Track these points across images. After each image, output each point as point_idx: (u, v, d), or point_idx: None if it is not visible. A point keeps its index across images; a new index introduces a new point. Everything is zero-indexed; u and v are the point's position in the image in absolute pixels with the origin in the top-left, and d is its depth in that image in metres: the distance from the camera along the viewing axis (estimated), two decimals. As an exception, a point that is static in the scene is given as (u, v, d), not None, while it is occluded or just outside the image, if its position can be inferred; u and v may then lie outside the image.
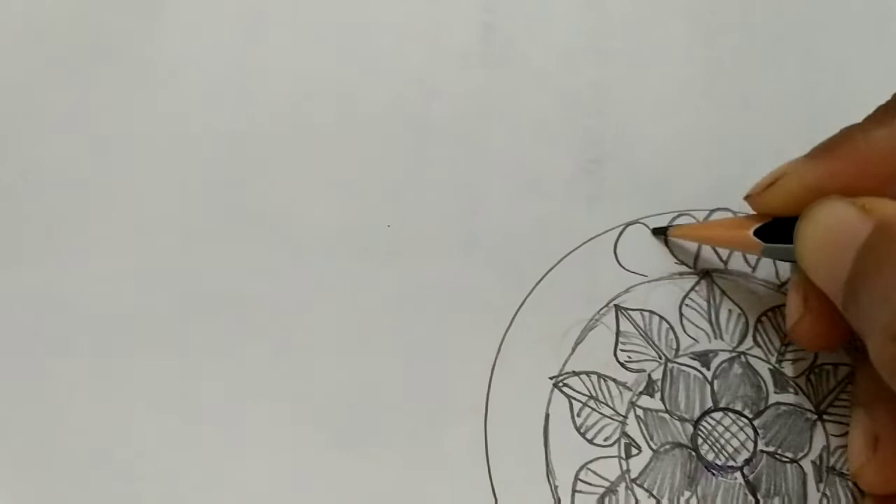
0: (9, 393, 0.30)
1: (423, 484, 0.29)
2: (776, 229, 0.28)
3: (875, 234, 0.25)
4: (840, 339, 0.29)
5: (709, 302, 0.32)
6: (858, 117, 0.34)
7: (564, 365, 0.31)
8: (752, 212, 0.30)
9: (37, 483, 0.29)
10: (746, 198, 0.29)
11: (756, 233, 0.29)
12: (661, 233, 0.32)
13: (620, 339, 0.31)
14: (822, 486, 0.30)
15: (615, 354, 0.31)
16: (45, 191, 0.32)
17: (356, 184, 0.33)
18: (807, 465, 0.30)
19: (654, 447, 0.30)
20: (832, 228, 0.26)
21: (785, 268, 0.32)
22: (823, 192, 0.27)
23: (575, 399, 0.30)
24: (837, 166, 0.27)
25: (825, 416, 0.30)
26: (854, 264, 0.25)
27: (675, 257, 0.32)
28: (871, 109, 0.32)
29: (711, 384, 0.31)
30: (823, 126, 0.33)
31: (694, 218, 0.33)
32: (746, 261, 0.32)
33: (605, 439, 0.30)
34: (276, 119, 0.34)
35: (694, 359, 0.31)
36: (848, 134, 0.27)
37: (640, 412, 0.30)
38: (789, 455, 0.30)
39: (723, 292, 0.32)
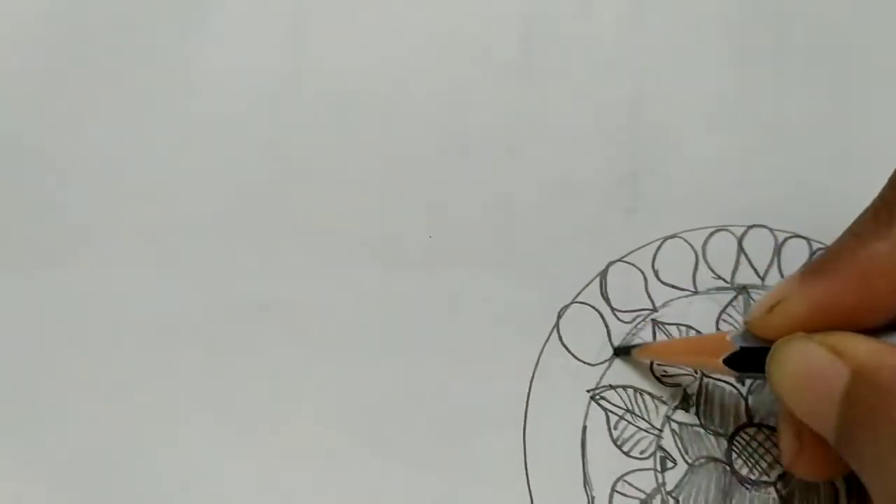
0: (41, 396, 0.30)
1: (461, 493, 0.30)
2: (749, 356, 0.27)
3: (855, 384, 0.23)
4: (847, 466, 0.25)
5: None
6: (892, 133, 0.35)
7: (601, 378, 0.31)
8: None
9: (70, 486, 0.30)
10: (746, 323, 0.27)
11: (729, 360, 0.27)
12: (624, 352, 0.31)
13: (657, 353, 0.32)
14: (854, 502, 0.30)
15: (651, 369, 0.31)
16: (81, 194, 0.33)
17: (394, 193, 0.33)
18: (839, 481, 0.30)
19: (690, 461, 0.30)
20: (804, 374, 0.25)
21: (821, 285, 0.33)
22: (826, 314, 0.25)
23: (612, 412, 0.31)
24: (837, 286, 0.25)
25: (858, 433, 0.31)
26: (840, 417, 0.24)
27: (713, 272, 0.33)
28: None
29: (746, 400, 0.31)
30: (856, 145, 0.34)
31: (733, 234, 0.33)
32: (782, 277, 0.33)
33: (641, 452, 0.30)
34: (315, 127, 0.34)
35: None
36: (846, 250, 0.26)
37: (675, 426, 0.31)
38: (822, 471, 0.30)
39: (759, 308, 0.32)
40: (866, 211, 0.26)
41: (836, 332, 0.25)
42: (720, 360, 0.27)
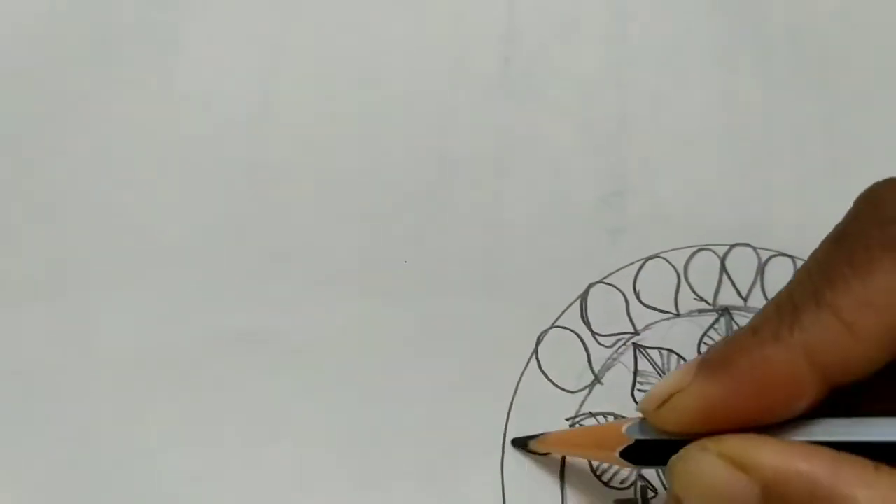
0: (28, 431, 0.30)
1: (440, 526, 0.29)
2: (648, 448, 0.26)
3: (767, 501, 0.22)
4: None
5: (728, 340, 0.32)
6: (878, 149, 0.34)
7: (581, 405, 0.31)
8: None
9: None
10: (641, 412, 0.26)
11: (625, 453, 0.26)
12: (520, 444, 0.30)
13: (638, 378, 0.31)
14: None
15: (633, 394, 0.31)
16: (56, 226, 0.32)
17: (376, 218, 0.33)
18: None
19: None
20: (709, 491, 0.23)
21: (805, 306, 0.32)
22: (719, 414, 0.24)
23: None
24: (732, 386, 0.23)
25: (843, 459, 0.30)
26: None
27: (695, 293, 0.32)
28: (891, 144, 0.32)
29: (729, 425, 0.31)
30: (841, 162, 0.33)
31: (716, 254, 0.33)
32: (766, 297, 0.32)
33: (622, 482, 0.30)
34: (297, 153, 0.33)
35: (712, 399, 0.31)
36: (742, 347, 0.24)
37: (657, 454, 0.30)
38: (806, 499, 0.30)
39: (742, 330, 0.32)
40: (770, 304, 0.24)
41: (736, 436, 0.23)
42: (616, 454, 0.26)
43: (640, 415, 0.26)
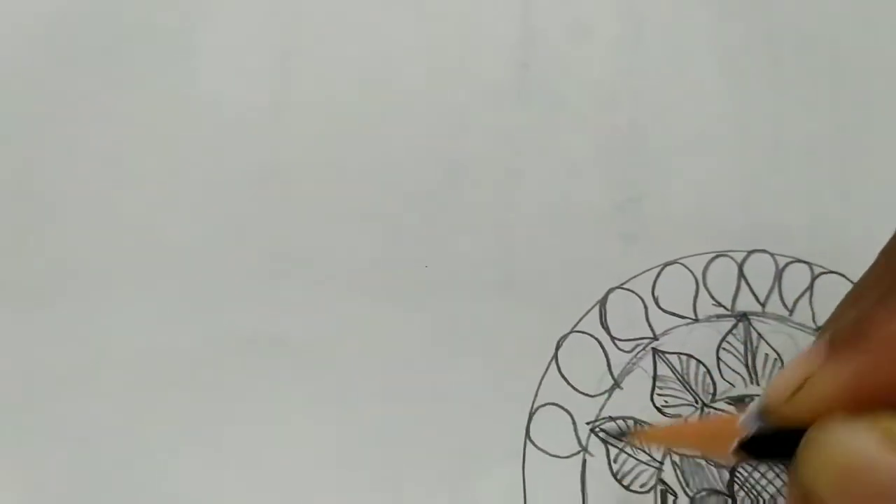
0: (32, 433, 0.30)
1: (462, 529, 0.29)
2: (768, 440, 0.23)
3: None
4: None
5: (746, 345, 0.32)
6: (891, 155, 0.34)
7: (601, 410, 0.31)
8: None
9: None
10: (764, 406, 0.23)
11: (745, 445, 0.23)
12: (614, 434, 0.30)
13: (657, 383, 0.31)
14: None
15: (652, 399, 0.31)
16: (65, 230, 0.32)
17: (389, 222, 0.33)
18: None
19: (691, 494, 0.30)
20: (852, 469, 0.20)
21: (823, 312, 0.32)
22: (862, 393, 0.21)
23: (612, 445, 0.30)
24: (872, 362, 0.21)
25: (861, 464, 0.31)
26: None
27: (713, 299, 0.32)
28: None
29: (748, 430, 0.31)
30: (857, 167, 0.34)
31: (734, 260, 0.33)
32: (784, 303, 0.32)
33: (642, 486, 0.30)
34: (308, 156, 0.33)
35: (730, 403, 0.31)
36: (874, 320, 0.22)
37: (676, 459, 0.30)
38: (825, 503, 0.30)
39: (760, 336, 0.32)
40: (876, 274, 0.23)
41: (886, 412, 0.20)
42: (733, 447, 0.23)
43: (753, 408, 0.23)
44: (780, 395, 0.22)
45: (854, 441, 0.20)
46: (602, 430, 0.30)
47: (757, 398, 0.24)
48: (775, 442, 0.23)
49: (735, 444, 0.23)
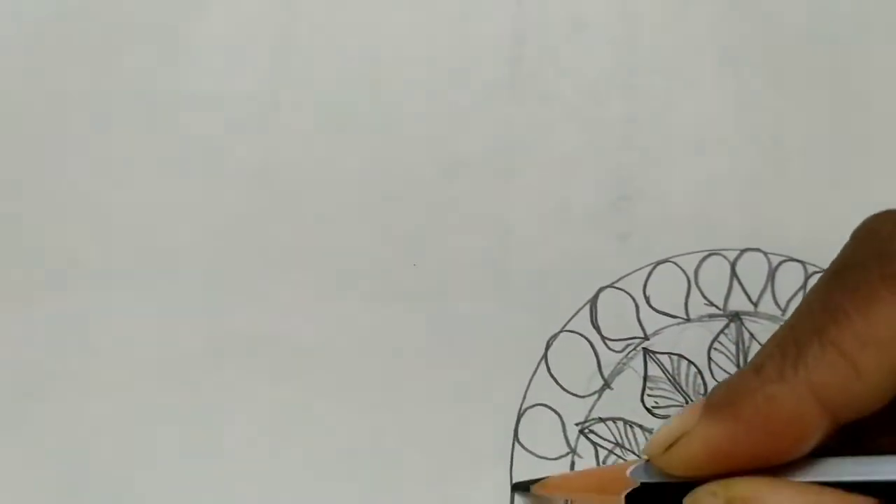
0: (35, 432, 0.30)
1: (449, 530, 0.29)
2: (654, 491, 0.25)
3: None
4: None
5: (737, 345, 0.32)
6: (889, 155, 0.34)
7: (591, 411, 0.31)
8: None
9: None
10: (648, 456, 0.25)
11: (631, 496, 0.25)
12: (522, 489, 0.29)
13: (648, 383, 0.31)
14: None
15: (642, 400, 0.31)
16: (59, 229, 0.32)
17: (383, 221, 0.33)
18: None
19: (680, 496, 0.30)
20: None
21: (816, 312, 0.32)
22: (726, 456, 0.23)
23: (601, 446, 0.30)
24: (738, 428, 0.23)
25: (852, 466, 0.30)
26: None
27: (705, 298, 0.32)
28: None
29: (738, 431, 0.31)
30: (852, 166, 0.33)
31: (726, 258, 0.32)
32: (776, 303, 0.32)
33: (630, 488, 0.30)
34: (303, 154, 0.33)
35: (721, 404, 0.31)
36: (746, 387, 0.23)
37: (665, 459, 0.30)
38: None
39: (752, 336, 0.32)
40: (772, 341, 0.24)
41: (746, 479, 0.23)
42: (621, 498, 0.25)
43: (643, 458, 0.25)
44: (656, 450, 0.24)
45: None
46: (514, 485, 0.30)
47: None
48: (659, 494, 0.24)
49: (622, 495, 0.25)
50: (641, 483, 0.25)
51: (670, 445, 0.24)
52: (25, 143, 0.33)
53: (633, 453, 0.30)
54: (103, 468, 0.30)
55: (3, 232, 0.32)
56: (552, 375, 0.31)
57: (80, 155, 0.33)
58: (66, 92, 0.34)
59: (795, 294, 0.32)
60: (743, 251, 0.33)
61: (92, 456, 0.30)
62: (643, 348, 0.31)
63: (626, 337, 0.32)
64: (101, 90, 0.34)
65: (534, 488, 0.29)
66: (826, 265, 0.32)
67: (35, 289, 0.32)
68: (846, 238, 0.32)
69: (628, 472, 0.25)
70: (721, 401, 0.23)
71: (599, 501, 0.27)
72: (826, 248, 0.32)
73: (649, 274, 0.32)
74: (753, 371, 0.23)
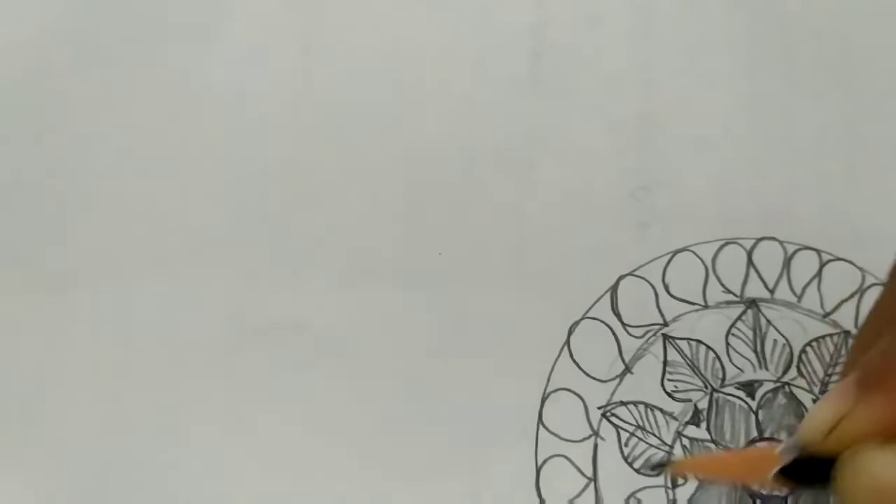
0: (61, 419, 0.31)
1: (476, 511, 0.30)
2: (806, 467, 0.25)
3: None
4: None
5: (754, 331, 0.32)
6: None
7: (612, 395, 0.31)
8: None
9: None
10: (803, 448, 0.25)
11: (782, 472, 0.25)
12: (655, 468, 0.30)
13: (668, 368, 0.32)
14: (863, 516, 0.30)
15: (662, 384, 0.32)
16: (91, 217, 0.33)
17: (405, 211, 0.33)
18: (849, 495, 0.31)
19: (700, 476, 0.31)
20: (884, 493, 0.22)
21: (830, 298, 0.33)
22: (890, 431, 0.23)
23: (623, 429, 0.31)
24: None
25: (868, 447, 0.31)
26: None
27: (723, 285, 0.33)
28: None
29: (756, 414, 0.31)
30: (866, 155, 0.34)
31: (743, 247, 0.33)
32: (792, 290, 0.33)
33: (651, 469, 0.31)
34: (326, 146, 0.34)
35: (739, 388, 0.32)
36: (893, 361, 0.24)
37: (686, 442, 0.31)
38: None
39: (768, 322, 0.32)
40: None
41: None
42: (771, 476, 0.25)
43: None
44: (817, 432, 0.24)
45: (886, 467, 0.22)
46: (643, 466, 0.30)
47: (794, 434, 0.25)
48: (810, 468, 0.24)
49: (774, 471, 0.24)
50: (795, 458, 0.24)
51: (832, 429, 0.24)
52: (56, 137, 0.34)
53: (654, 435, 0.31)
54: (129, 451, 0.31)
55: (31, 222, 0.33)
56: (574, 361, 0.32)
57: (110, 148, 0.34)
58: (96, 85, 0.35)
59: (811, 281, 0.33)
60: (759, 240, 0.33)
61: (118, 439, 0.31)
62: (662, 334, 0.32)
63: (645, 323, 0.32)
64: (129, 85, 0.35)
65: (671, 469, 0.29)
66: (840, 253, 0.33)
67: (62, 278, 0.32)
68: (860, 226, 0.33)
69: (777, 450, 0.25)
70: (876, 376, 0.24)
71: (745, 480, 0.28)
72: (840, 236, 0.33)
73: (668, 262, 0.33)
74: None
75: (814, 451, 0.24)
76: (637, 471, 0.31)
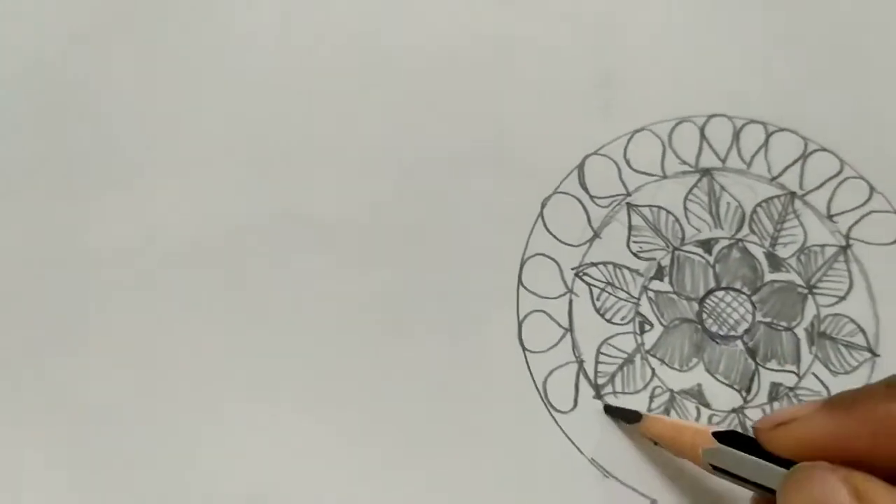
0: (87, 308, 0.34)
1: (468, 360, 0.34)
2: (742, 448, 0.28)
3: None
4: None
5: (709, 196, 0.36)
6: (830, 24, 0.38)
7: (584, 257, 0.35)
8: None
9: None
10: (754, 429, 0.27)
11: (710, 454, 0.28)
12: (614, 413, 0.33)
13: (633, 232, 0.35)
14: (814, 348, 0.34)
15: (628, 246, 0.35)
16: (122, 134, 0.37)
17: (389, 111, 0.37)
18: (800, 331, 0.34)
19: (665, 323, 0.34)
20: None
21: (777, 164, 0.36)
22: (831, 448, 0.25)
23: (594, 286, 0.35)
24: (852, 426, 0.25)
25: (815, 290, 0.35)
26: None
27: (679, 158, 0.37)
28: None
29: (714, 267, 0.35)
30: (802, 33, 0.38)
31: (695, 124, 0.37)
32: (742, 158, 0.37)
33: (622, 319, 0.34)
34: (315, 58, 0.38)
35: (697, 246, 0.35)
36: (869, 395, 0.25)
37: (651, 294, 0.35)
38: (784, 324, 0.34)
39: (722, 187, 0.36)
40: None
41: (861, 473, 0.24)
42: (701, 451, 0.28)
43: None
44: (766, 425, 0.27)
45: (829, 488, 0.24)
46: (618, 414, 0.33)
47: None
48: (733, 461, 0.27)
49: (712, 432, 0.28)
50: (723, 439, 0.28)
51: (782, 424, 0.27)
52: (93, 66, 0.38)
53: (623, 290, 0.35)
54: (151, 338, 0.34)
55: (50, 126, 0.37)
56: (548, 229, 0.35)
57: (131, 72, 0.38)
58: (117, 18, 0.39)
59: (758, 150, 0.37)
60: (710, 117, 0.37)
61: (141, 327, 0.34)
62: (626, 203, 0.36)
63: (611, 194, 0.36)
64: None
65: (642, 424, 0.32)
66: (785, 125, 0.37)
67: (85, 178, 0.36)
68: (802, 98, 0.36)
69: (703, 447, 0.28)
70: (845, 400, 0.26)
71: (685, 454, 0.30)
72: (783, 107, 0.37)
73: (629, 141, 0.37)
74: (885, 384, 0.26)
75: (759, 439, 0.27)
76: (607, 320, 0.34)
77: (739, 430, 0.33)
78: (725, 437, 0.28)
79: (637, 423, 0.32)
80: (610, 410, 0.33)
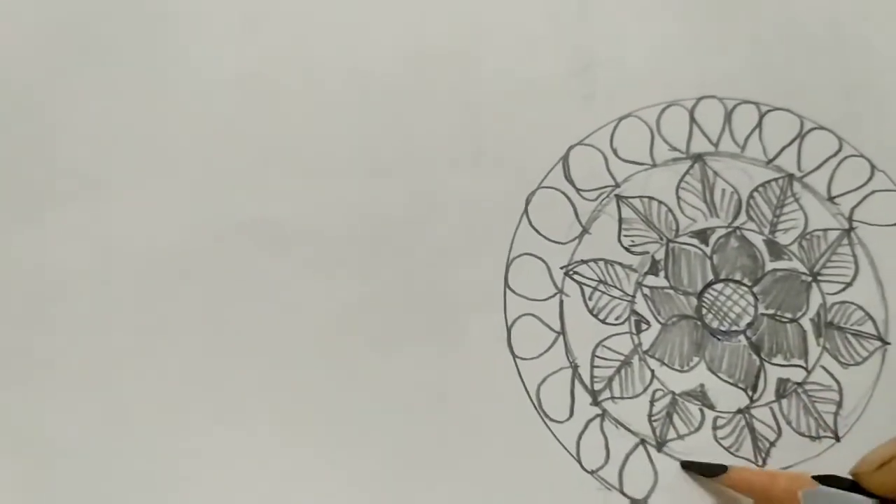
0: (48, 328, 0.32)
1: (455, 371, 0.31)
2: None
3: None
4: None
5: (703, 183, 0.34)
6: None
7: (573, 255, 0.33)
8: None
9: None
10: (854, 474, 0.27)
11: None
12: (694, 469, 0.31)
13: (623, 225, 0.33)
14: (821, 340, 0.32)
15: (619, 240, 0.33)
16: (80, 143, 0.35)
17: (365, 109, 0.35)
18: (806, 322, 0.32)
19: (662, 321, 0.32)
20: None
21: (772, 145, 0.34)
22: None
23: (586, 285, 0.33)
24: None
25: (819, 277, 0.33)
26: None
27: (669, 144, 0.34)
28: None
29: (711, 258, 0.33)
30: (793, 11, 0.35)
31: (684, 107, 0.35)
32: (735, 142, 0.34)
33: (617, 318, 0.32)
34: (280, 59, 0.36)
35: (693, 237, 0.33)
36: None
37: (646, 291, 0.33)
38: (788, 315, 0.32)
39: (715, 173, 0.34)
40: None
41: None
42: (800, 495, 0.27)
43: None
44: (869, 465, 0.26)
45: None
46: (698, 469, 0.31)
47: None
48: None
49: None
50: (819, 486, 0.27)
51: (884, 464, 0.26)
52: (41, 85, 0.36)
53: (616, 287, 0.33)
54: (115, 356, 0.32)
55: (13, 143, 0.35)
56: (534, 227, 0.33)
57: (86, 79, 0.36)
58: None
59: (752, 132, 0.34)
60: (699, 99, 0.35)
61: (103, 343, 0.32)
62: (615, 195, 0.34)
63: (598, 186, 0.34)
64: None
65: (724, 478, 0.30)
66: (779, 104, 0.35)
67: (44, 195, 0.34)
68: (795, 76, 0.34)
69: (800, 494, 0.27)
70: None
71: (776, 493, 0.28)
72: (776, 86, 0.35)
73: (614, 129, 0.35)
74: None
75: (861, 482, 0.26)
76: (601, 321, 0.32)
77: (754, 434, 0.31)
78: (824, 481, 0.27)
79: (720, 476, 0.30)
80: (688, 466, 0.31)
